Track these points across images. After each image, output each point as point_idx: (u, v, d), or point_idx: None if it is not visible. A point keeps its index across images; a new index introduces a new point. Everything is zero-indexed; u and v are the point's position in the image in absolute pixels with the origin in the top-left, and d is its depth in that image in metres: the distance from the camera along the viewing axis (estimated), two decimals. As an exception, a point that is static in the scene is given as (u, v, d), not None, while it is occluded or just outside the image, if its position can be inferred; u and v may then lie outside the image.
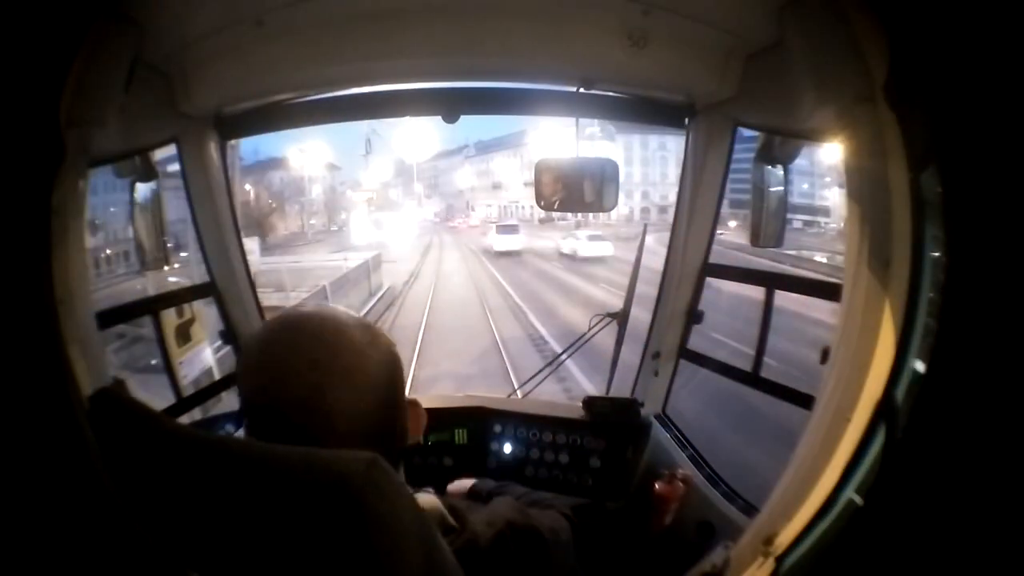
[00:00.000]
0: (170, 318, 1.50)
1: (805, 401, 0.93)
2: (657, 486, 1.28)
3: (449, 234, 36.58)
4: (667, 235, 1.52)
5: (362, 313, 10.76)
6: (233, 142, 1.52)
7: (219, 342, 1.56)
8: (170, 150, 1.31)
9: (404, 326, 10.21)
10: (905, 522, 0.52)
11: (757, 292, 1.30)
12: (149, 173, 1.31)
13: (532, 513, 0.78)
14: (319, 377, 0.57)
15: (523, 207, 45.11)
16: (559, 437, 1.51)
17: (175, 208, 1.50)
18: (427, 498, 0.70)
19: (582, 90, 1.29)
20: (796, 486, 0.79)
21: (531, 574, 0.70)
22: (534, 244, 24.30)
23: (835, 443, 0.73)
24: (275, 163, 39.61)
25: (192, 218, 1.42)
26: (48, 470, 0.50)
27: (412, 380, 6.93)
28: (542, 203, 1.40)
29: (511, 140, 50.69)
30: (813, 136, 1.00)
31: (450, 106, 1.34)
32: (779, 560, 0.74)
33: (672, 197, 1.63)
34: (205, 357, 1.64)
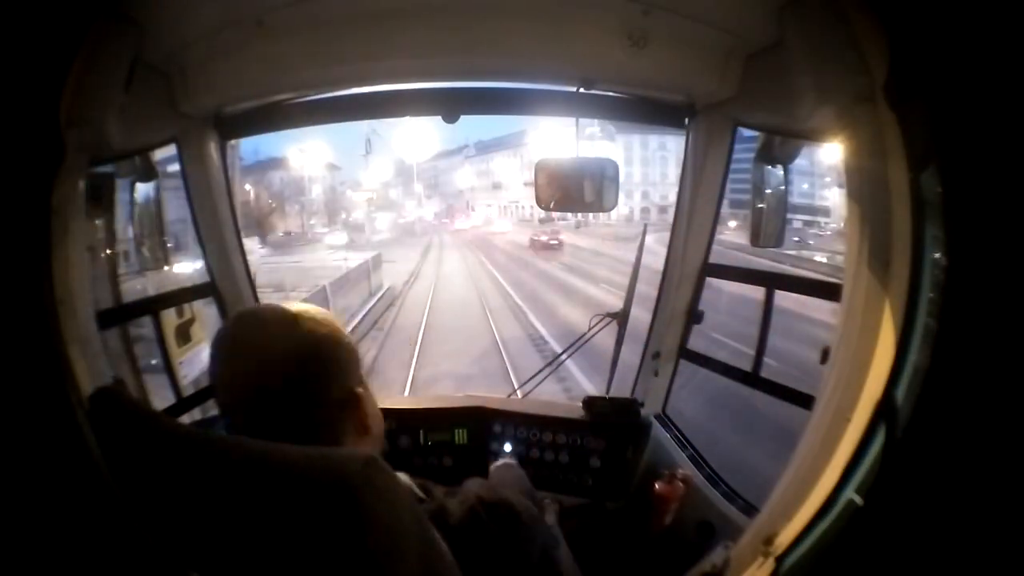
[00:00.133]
0: (170, 318, 1.50)
1: (805, 401, 0.93)
2: (657, 486, 1.28)
3: (449, 234, 36.60)
4: (667, 235, 1.52)
5: (362, 313, 10.84)
6: (233, 142, 1.52)
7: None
8: (170, 150, 1.31)
9: (404, 326, 10.21)
10: (905, 522, 0.52)
11: (757, 292, 1.30)
12: (149, 173, 1.31)
13: (500, 489, 0.79)
14: (292, 371, 0.60)
15: (523, 207, 45.14)
16: (559, 437, 1.51)
17: (175, 208, 1.50)
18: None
19: (582, 90, 1.29)
20: (796, 486, 0.79)
21: (506, 547, 0.70)
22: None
23: (835, 443, 0.73)
24: (275, 163, 39.58)
25: (192, 218, 1.42)
26: (48, 470, 0.50)
27: (412, 380, 6.93)
28: (542, 203, 1.40)
29: (511, 140, 50.67)
30: (813, 136, 1.00)
31: (450, 106, 1.34)
32: (779, 560, 0.74)
33: (672, 197, 1.63)
34: (205, 357, 1.64)
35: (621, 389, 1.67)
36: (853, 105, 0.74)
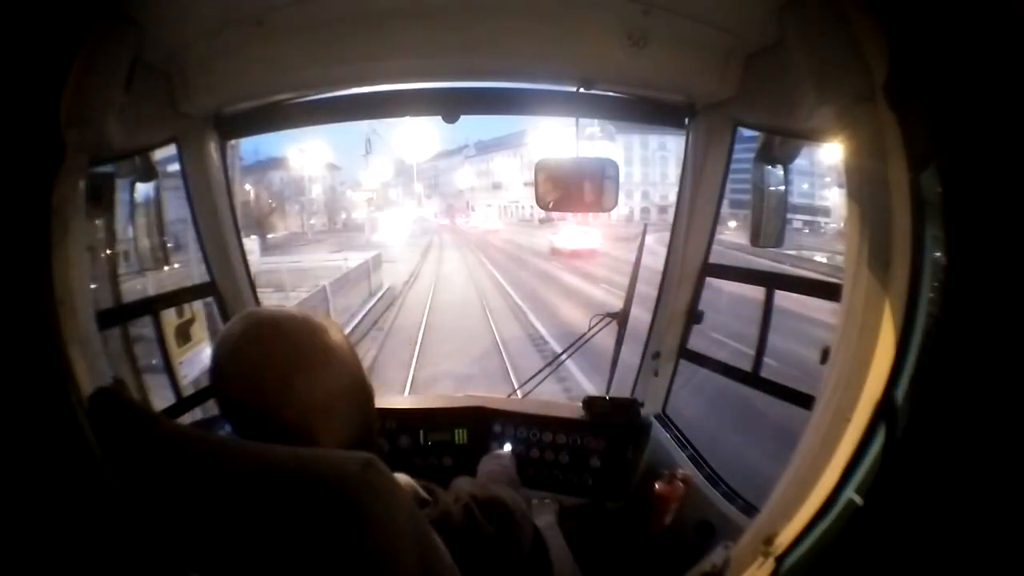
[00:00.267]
0: (170, 318, 1.50)
1: (805, 401, 0.93)
2: (657, 486, 1.28)
3: (449, 234, 36.65)
4: (667, 235, 1.52)
5: (362, 313, 10.84)
6: (233, 142, 1.52)
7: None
8: (170, 150, 1.31)
9: (404, 326, 10.20)
10: (905, 522, 0.52)
11: (757, 292, 1.30)
12: (149, 173, 1.31)
13: (491, 486, 0.81)
14: (293, 374, 0.59)
15: (523, 207, 45.18)
16: (559, 437, 1.51)
17: (175, 208, 1.50)
18: (400, 476, 0.71)
19: (582, 90, 1.29)
20: (796, 486, 0.79)
21: (501, 544, 0.72)
22: (534, 242, 24.44)
23: (835, 443, 0.73)
24: (275, 163, 39.58)
25: (192, 218, 1.42)
26: (48, 470, 0.50)
27: (412, 380, 6.93)
28: (542, 203, 1.40)
29: (511, 140, 50.68)
30: (813, 136, 1.00)
31: (450, 106, 1.34)
32: (779, 560, 0.74)
33: (672, 197, 1.63)
34: (205, 357, 1.64)
35: (621, 389, 1.67)
36: (853, 105, 0.74)
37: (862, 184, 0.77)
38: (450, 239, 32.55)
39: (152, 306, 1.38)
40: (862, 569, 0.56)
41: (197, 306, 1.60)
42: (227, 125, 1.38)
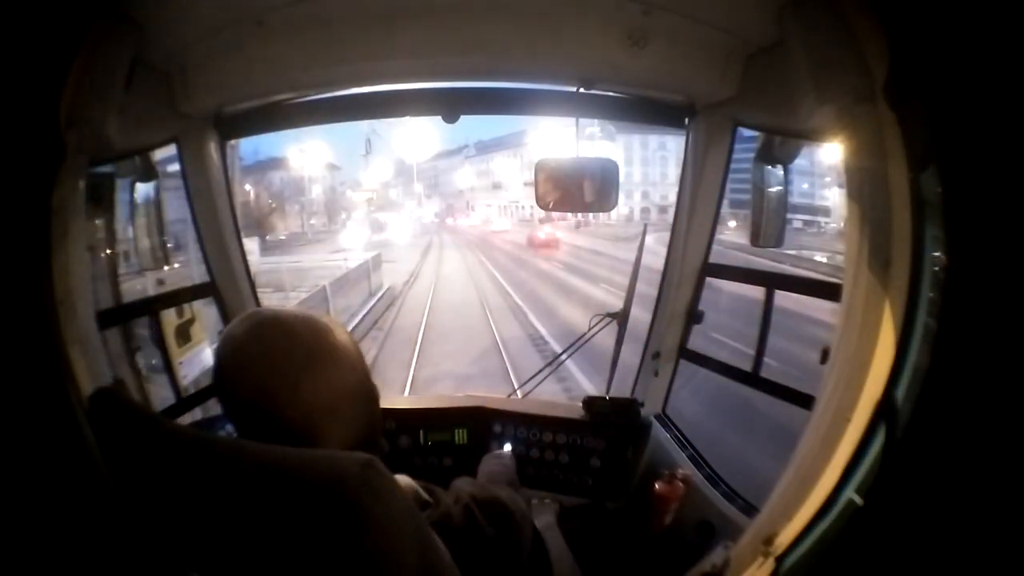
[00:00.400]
0: (170, 318, 1.50)
1: (805, 401, 0.93)
2: (657, 486, 1.28)
3: (449, 234, 36.64)
4: (667, 235, 1.52)
5: (362, 313, 10.84)
6: (233, 142, 1.52)
7: (219, 342, 1.56)
8: (170, 150, 1.31)
9: (404, 326, 10.21)
10: (905, 522, 0.52)
11: (756, 291, 1.30)
12: (149, 173, 1.31)
13: (491, 487, 0.82)
14: (299, 375, 0.59)
15: (523, 207, 45.18)
16: (559, 437, 1.51)
17: (175, 208, 1.50)
18: (401, 478, 0.71)
19: (582, 90, 1.29)
20: (796, 486, 0.79)
21: (501, 544, 0.72)
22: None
23: (835, 443, 0.73)
24: (275, 163, 39.54)
25: (192, 218, 1.42)
26: (48, 470, 0.50)
27: (412, 380, 6.93)
28: (542, 203, 1.40)
29: (511, 140, 50.69)
30: (813, 136, 1.00)
31: (450, 106, 1.34)
32: (779, 560, 0.74)
33: (672, 197, 1.63)
34: (205, 357, 1.64)
35: (621, 389, 1.67)
36: (853, 105, 0.74)
37: (862, 184, 0.77)
38: (450, 239, 32.54)
39: (152, 306, 1.38)
40: (862, 569, 0.56)
41: (197, 306, 1.60)
42: (227, 125, 1.38)
